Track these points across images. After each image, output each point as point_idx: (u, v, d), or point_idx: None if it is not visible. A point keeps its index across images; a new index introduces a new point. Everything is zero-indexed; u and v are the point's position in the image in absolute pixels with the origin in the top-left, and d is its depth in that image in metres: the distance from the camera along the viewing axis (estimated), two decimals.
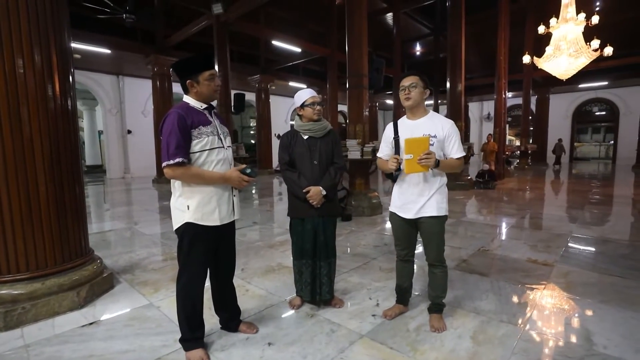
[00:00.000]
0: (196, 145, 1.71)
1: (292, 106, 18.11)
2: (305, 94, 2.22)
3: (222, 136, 1.83)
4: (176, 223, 1.77)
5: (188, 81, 1.74)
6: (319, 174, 2.22)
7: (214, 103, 1.94)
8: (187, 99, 1.79)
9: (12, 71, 2.12)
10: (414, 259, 2.22)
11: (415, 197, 2.01)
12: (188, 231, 1.74)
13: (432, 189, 1.99)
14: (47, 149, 2.27)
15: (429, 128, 1.99)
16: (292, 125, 2.32)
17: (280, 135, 2.37)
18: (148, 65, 10.40)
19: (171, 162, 1.63)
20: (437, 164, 1.88)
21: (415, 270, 2.38)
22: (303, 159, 2.22)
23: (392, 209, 2.16)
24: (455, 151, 1.99)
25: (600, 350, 1.83)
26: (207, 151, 1.74)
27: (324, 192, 2.19)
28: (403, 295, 2.27)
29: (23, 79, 2.16)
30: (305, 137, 2.24)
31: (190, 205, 1.73)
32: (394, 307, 2.28)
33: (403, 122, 2.10)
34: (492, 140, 10.27)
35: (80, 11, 8.26)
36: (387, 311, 2.25)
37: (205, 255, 1.82)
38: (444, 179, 2.04)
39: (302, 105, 2.22)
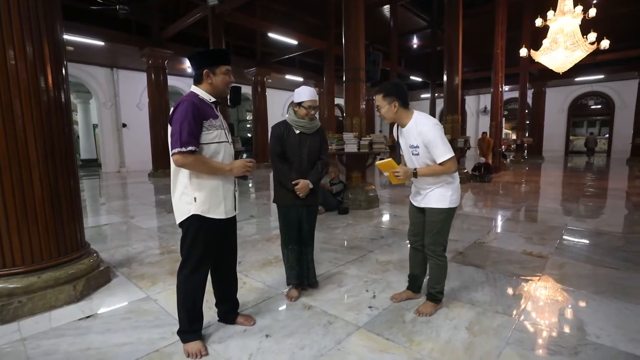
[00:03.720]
0: (207, 137, 1.71)
1: (288, 99, 18.04)
2: (307, 94, 2.27)
3: (226, 131, 1.84)
4: (181, 216, 1.75)
5: (205, 70, 1.73)
6: (307, 167, 2.34)
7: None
8: (196, 89, 1.77)
9: (3, 63, 2.08)
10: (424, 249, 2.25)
11: (420, 189, 2.15)
12: (193, 223, 1.74)
13: (435, 183, 2.07)
14: (41, 142, 2.24)
15: (412, 138, 2.04)
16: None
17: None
18: (143, 58, 10.28)
19: (184, 149, 1.60)
20: (415, 174, 2.00)
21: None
22: (293, 152, 2.32)
23: (410, 197, 2.31)
24: (438, 157, 1.96)
25: (593, 340, 1.85)
26: (215, 144, 1.75)
27: (311, 186, 2.31)
28: (413, 283, 2.36)
29: (15, 71, 2.12)
30: (297, 131, 2.33)
31: (197, 197, 1.72)
32: (402, 292, 2.38)
33: (400, 128, 2.15)
34: (487, 137, 10.29)
35: (73, 2, 8.13)
36: (396, 295, 2.37)
37: (209, 248, 1.82)
38: (445, 177, 2.05)
39: (300, 104, 2.28)
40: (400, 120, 2.08)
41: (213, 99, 1.80)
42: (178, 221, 1.78)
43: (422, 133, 1.97)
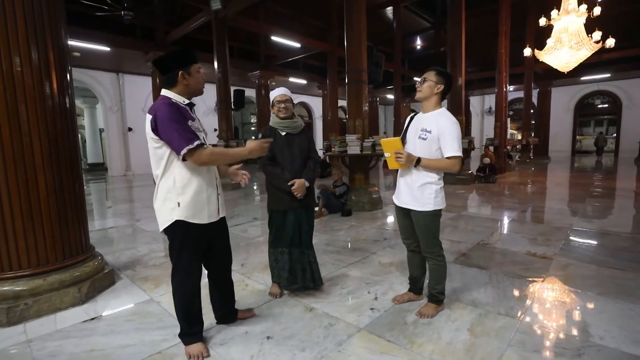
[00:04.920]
0: None
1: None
2: (274, 92, 2.36)
3: (203, 133, 1.80)
4: (165, 222, 1.71)
5: (181, 72, 1.68)
6: (299, 167, 2.36)
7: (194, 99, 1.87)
8: (168, 93, 1.71)
9: (10, 69, 2.13)
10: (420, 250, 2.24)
11: (402, 188, 2.13)
12: (178, 229, 1.71)
13: (417, 183, 2.04)
14: (46, 146, 2.29)
15: (427, 123, 2.02)
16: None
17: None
18: (148, 63, 10.38)
19: (192, 146, 1.58)
20: (418, 162, 1.97)
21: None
22: (283, 154, 2.35)
23: (394, 197, 2.28)
24: (448, 150, 1.96)
25: (597, 342, 1.84)
26: None
27: (307, 184, 2.34)
28: (415, 284, 2.37)
29: (21, 77, 2.17)
30: (283, 133, 2.37)
31: (181, 202, 1.69)
32: (404, 294, 2.38)
33: (418, 115, 2.15)
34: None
35: (78, 9, 8.23)
36: (397, 297, 2.38)
37: (197, 252, 1.80)
38: (434, 176, 2.03)
39: (272, 104, 2.36)
40: (428, 103, 2.05)
41: (187, 101, 1.76)
42: (161, 228, 1.74)
43: (441, 123, 1.97)
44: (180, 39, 10.09)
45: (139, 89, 12.99)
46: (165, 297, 2.50)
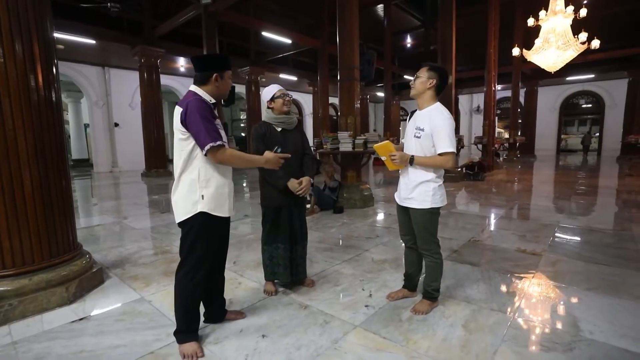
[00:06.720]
0: None
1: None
2: (273, 88, 2.36)
3: (222, 131, 1.84)
4: (186, 214, 1.73)
5: (216, 74, 1.75)
6: (295, 164, 2.35)
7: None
8: (198, 90, 1.75)
9: None
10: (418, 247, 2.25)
11: (402, 186, 2.16)
12: (198, 221, 1.74)
13: (415, 181, 2.07)
14: (32, 141, 2.20)
15: (421, 121, 2.05)
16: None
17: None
18: (135, 57, 10.15)
19: (214, 144, 1.64)
20: (412, 160, 2.01)
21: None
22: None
23: (395, 194, 2.31)
24: (440, 146, 1.98)
25: (586, 336, 1.87)
26: None
27: (312, 181, 2.39)
28: (410, 281, 2.38)
29: (4, 70, 2.08)
30: (279, 129, 2.36)
31: (205, 195, 1.73)
32: (399, 291, 2.39)
33: (416, 112, 2.17)
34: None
35: (63, 0, 7.99)
36: (392, 293, 2.38)
37: (211, 247, 1.82)
38: (431, 174, 2.05)
39: (272, 98, 2.33)
40: (423, 99, 2.07)
41: (213, 100, 1.79)
42: (181, 219, 1.76)
43: (434, 118, 1.99)
44: (169, 33, 9.90)
45: (125, 84, 12.72)
46: (156, 296, 2.46)
